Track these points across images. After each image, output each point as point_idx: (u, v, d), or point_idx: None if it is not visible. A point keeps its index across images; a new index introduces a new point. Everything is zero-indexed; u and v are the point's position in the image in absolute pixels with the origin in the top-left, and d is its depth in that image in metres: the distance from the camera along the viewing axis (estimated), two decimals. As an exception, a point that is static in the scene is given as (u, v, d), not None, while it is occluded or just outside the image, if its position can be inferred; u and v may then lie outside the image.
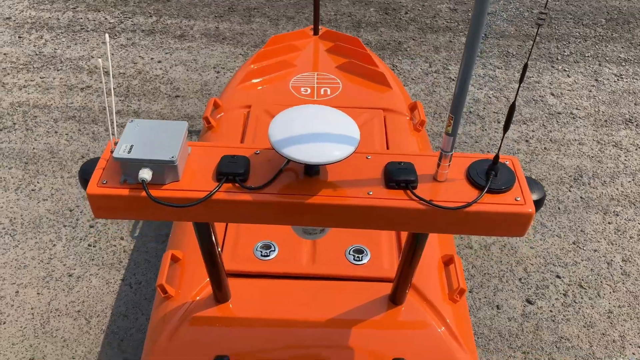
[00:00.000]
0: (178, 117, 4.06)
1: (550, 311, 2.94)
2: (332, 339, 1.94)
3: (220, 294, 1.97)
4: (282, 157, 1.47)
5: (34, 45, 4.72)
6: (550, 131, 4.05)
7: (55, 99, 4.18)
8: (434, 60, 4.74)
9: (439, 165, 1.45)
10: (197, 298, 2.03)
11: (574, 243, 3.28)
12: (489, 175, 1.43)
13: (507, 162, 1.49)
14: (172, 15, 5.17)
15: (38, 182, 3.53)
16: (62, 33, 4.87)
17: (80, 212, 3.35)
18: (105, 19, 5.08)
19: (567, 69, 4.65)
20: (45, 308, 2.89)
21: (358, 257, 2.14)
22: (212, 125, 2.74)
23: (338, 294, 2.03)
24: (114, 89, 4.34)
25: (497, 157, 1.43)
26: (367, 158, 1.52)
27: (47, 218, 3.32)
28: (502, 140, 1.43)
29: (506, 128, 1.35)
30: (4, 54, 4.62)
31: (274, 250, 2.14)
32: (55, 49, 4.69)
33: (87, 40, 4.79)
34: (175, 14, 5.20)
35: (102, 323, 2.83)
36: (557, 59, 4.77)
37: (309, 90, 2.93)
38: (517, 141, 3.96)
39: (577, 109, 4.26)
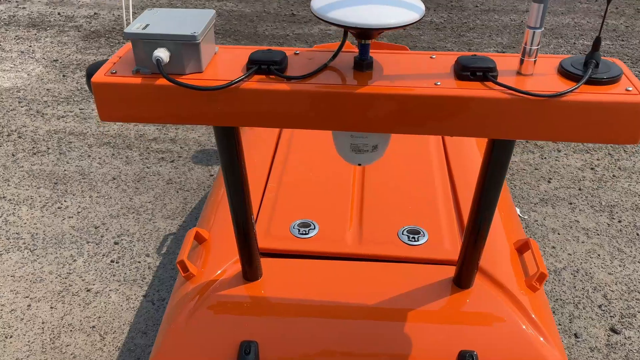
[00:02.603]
0: (216, 144, 3.87)
1: (641, 341, 2.47)
2: (383, 327, 1.57)
3: (250, 271, 1.65)
4: (326, 55, 1.21)
5: (77, 82, 4.71)
6: (618, 160, 3.68)
7: (91, 127, 4.08)
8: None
9: (522, 61, 1.16)
10: (223, 277, 1.71)
11: (659, 270, 2.83)
12: (588, 64, 1.13)
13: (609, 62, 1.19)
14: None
15: (65, 201, 3.33)
16: (105, 73, 4.87)
17: (106, 230, 3.11)
18: (149, 60, 5.09)
19: (629, 103, 4.33)
20: (57, 323, 2.58)
21: (414, 237, 1.80)
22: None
23: (390, 277, 1.68)
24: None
25: (598, 41, 1.13)
26: (431, 57, 1.24)
27: (70, 234, 3.08)
28: (603, 20, 1.14)
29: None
30: (47, 89, 4.61)
31: (314, 229, 1.83)
32: (97, 85, 4.67)
33: (129, 78, 4.76)
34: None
35: (117, 340, 2.50)
36: (618, 94, 4.46)
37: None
38: (582, 169, 3.59)
39: (645, 139, 3.89)
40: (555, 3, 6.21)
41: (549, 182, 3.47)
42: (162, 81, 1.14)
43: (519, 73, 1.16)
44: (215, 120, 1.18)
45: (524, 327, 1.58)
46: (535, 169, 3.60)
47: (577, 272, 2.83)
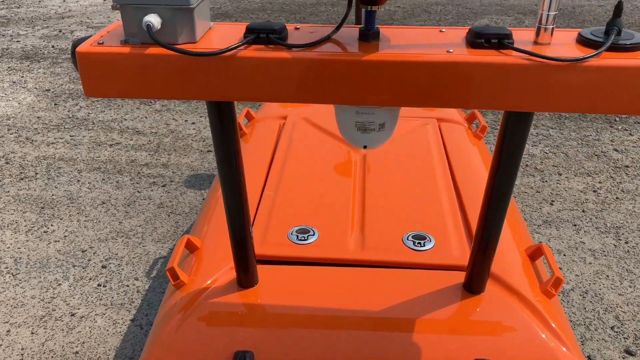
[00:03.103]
0: (209, 169, 3.78)
1: (658, 364, 2.34)
2: (390, 337, 1.45)
3: (245, 278, 1.54)
4: (329, 29, 1.14)
5: (69, 111, 4.63)
6: (621, 182, 3.60)
7: (82, 153, 3.98)
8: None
9: (539, 29, 1.08)
10: (216, 284, 1.59)
11: (671, 291, 2.72)
12: (610, 32, 1.06)
13: None
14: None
15: (52, 225, 3.20)
16: (97, 101, 4.80)
17: (94, 253, 2.98)
18: (142, 90, 5.03)
19: (628, 129, 4.30)
20: (37, 349, 2.42)
21: (419, 243, 1.69)
22: (243, 133, 2.44)
23: (396, 283, 1.56)
24: (143, 145, 4.15)
25: (619, 6, 1.06)
26: (440, 31, 1.16)
27: (55, 258, 2.94)
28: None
29: None
30: (37, 117, 4.53)
31: (313, 235, 1.72)
32: (89, 113, 4.60)
33: (122, 107, 4.70)
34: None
35: (102, 366, 2.34)
36: (616, 120, 4.43)
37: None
38: (584, 191, 3.51)
39: (647, 162, 3.84)
40: None
41: (551, 204, 3.39)
42: (153, 49, 1.05)
43: (536, 42, 1.08)
44: (210, 94, 1.09)
45: (542, 334, 1.46)
46: (537, 192, 3.52)
47: (586, 293, 2.71)
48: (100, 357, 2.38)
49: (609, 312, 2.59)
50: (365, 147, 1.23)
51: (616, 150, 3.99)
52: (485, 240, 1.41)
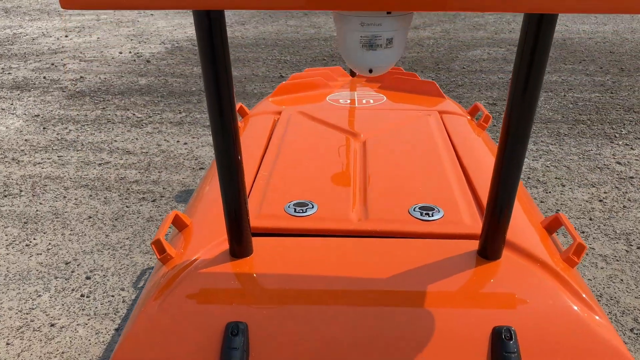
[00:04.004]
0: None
1: (685, 365, 2.16)
2: (399, 308, 1.29)
3: (239, 248, 1.39)
4: None
5: (57, 134, 4.53)
6: (627, 192, 3.49)
7: (69, 172, 3.85)
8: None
9: None
10: (206, 255, 1.44)
11: (690, 293, 2.57)
12: None
13: None
14: (203, 112, 5.04)
15: (35, 239, 3.04)
16: (87, 125, 4.71)
17: (77, 265, 2.81)
18: (134, 114, 4.95)
19: (629, 144, 4.22)
20: (12, 360, 2.23)
21: (427, 213, 1.56)
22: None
23: (403, 253, 1.42)
24: (133, 164, 4.02)
25: None
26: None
27: (37, 270, 2.77)
28: None
29: None
30: (25, 139, 4.42)
31: (312, 208, 1.59)
32: (78, 136, 4.49)
33: (112, 129, 4.60)
34: (207, 110, 5.07)
35: (82, 376, 2.15)
36: (615, 136, 4.37)
37: (349, 101, 2.54)
38: (589, 201, 3.39)
39: (651, 173, 3.74)
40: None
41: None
42: None
43: None
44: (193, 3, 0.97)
45: (568, 300, 1.31)
46: (541, 202, 3.40)
47: (600, 296, 2.55)
48: (80, 367, 2.19)
49: (626, 315, 2.43)
50: (371, 71, 1.11)
51: (619, 163, 3.90)
52: (500, 198, 1.27)
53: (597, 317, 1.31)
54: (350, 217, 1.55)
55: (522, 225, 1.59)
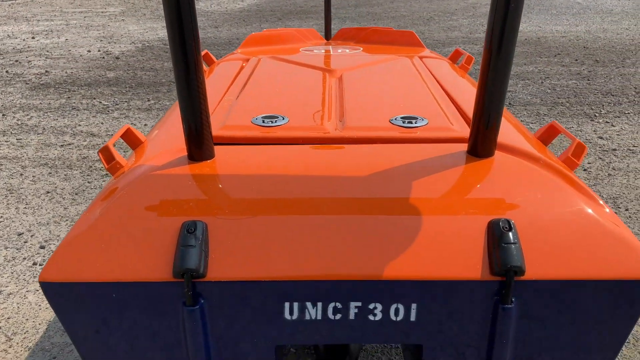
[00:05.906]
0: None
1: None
2: (383, 214, 1.12)
3: (197, 152, 1.22)
4: None
5: (18, 120, 4.30)
6: (610, 162, 3.39)
7: (28, 153, 3.62)
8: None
9: None
10: (160, 159, 1.27)
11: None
12: None
13: None
14: (173, 99, 4.85)
15: (-15, 213, 2.81)
16: (50, 112, 4.48)
17: (31, 236, 2.58)
18: (100, 102, 4.74)
19: (609, 122, 4.15)
20: (-49, 327, 1.99)
21: (410, 122, 1.41)
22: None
23: (387, 157, 1.26)
24: (97, 144, 3.80)
25: None
26: None
27: (-15, 241, 2.54)
28: None
29: None
30: (-17, 125, 4.18)
31: (283, 120, 1.43)
32: (40, 121, 4.26)
33: (76, 115, 4.38)
34: (176, 98, 4.88)
35: (29, 340, 1.91)
36: (595, 115, 4.30)
37: (324, 52, 2.39)
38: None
39: (634, 146, 3.65)
40: (516, 57, 6.25)
41: (541, 182, 3.13)
42: None
43: None
44: None
45: (568, 188, 1.17)
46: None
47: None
48: (28, 331, 1.96)
49: None
50: None
51: (601, 137, 3.82)
52: (489, 91, 1.13)
53: (600, 203, 1.17)
54: (325, 127, 1.39)
55: (513, 130, 1.45)
